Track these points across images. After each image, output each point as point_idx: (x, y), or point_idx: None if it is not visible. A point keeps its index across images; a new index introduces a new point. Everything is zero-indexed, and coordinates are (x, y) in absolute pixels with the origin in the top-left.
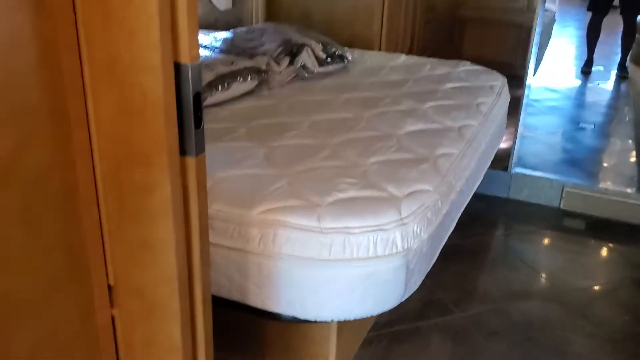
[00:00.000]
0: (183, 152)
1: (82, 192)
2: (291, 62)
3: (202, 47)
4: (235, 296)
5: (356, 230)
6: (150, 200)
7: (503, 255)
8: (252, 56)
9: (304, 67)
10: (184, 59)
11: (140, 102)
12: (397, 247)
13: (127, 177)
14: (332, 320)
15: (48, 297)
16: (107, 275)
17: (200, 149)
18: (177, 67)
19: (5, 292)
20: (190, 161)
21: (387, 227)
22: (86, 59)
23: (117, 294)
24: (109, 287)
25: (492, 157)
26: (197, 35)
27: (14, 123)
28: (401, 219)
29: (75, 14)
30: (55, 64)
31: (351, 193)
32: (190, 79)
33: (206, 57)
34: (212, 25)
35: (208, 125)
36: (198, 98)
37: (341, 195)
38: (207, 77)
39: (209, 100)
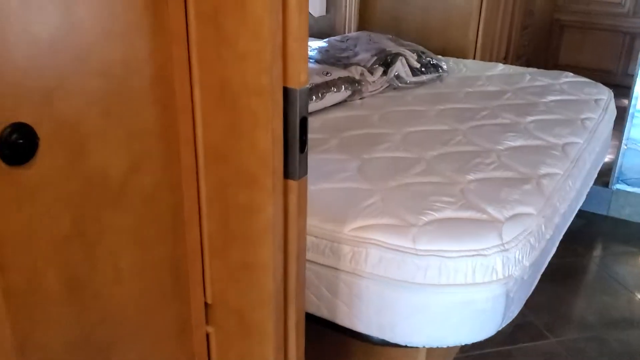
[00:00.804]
0: (286, 175)
1: (187, 212)
2: (384, 72)
3: None
4: (324, 314)
5: (454, 254)
6: (253, 222)
7: (600, 277)
8: (346, 66)
9: (397, 77)
10: (293, 83)
11: (249, 124)
12: (497, 274)
13: (232, 197)
14: (423, 347)
15: (153, 313)
16: (204, 293)
17: (303, 173)
18: (286, 92)
19: (116, 307)
20: (293, 184)
21: (488, 252)
22: (197, 81)
23: (214, 312)
24: (206, 305)
25: (595, 176)
26: (306, 60)
27: (129, 144)
28: (502, 244)
29: (188, 36)
30: (168, 86)
31: (448, 213)
32: (298, 103)
33: None
34: None
35: None
36: (304, 122)
37: (438, 215)
38: None
39: None
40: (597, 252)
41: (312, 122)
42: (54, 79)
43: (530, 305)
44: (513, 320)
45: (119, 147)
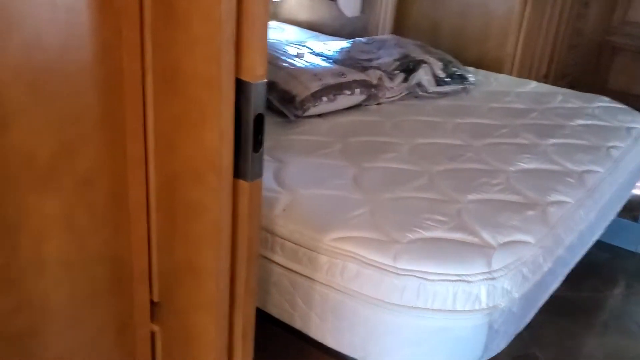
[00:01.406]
0: (237, 174)
1: (132, 204)
2: (406, 79)
3: (316, 55)
4: (297, 324)
5: (434, 277)
6: (198, 221)
7: (618, 317)
8: (365, 69)
9: (419, 84)
10: (247, 76)
11: (197, 117)
12: (480, 304)
13: (180, 193)
14: None
15: (85, 306)
16: (150, 290)
17: (256, 174)
18: (239, 85)
19: (41, 296)
20: (244, 185)
21: (472, 279)
22: (149, 65)
23: (160, 311)
24: (152, 302)
25: (618, 209)
26: (265, 52)
27: (61, 124)
28: (490, 272)
29: (142, 16)
30: (116, 68)
31: (437, 233)
32: (252, 98)
33: (318, 65)
34: (337, 32)
35: (304, 136)
36: (260, 120)
37: (425, 234)
38: (313, 86)
39: (312, 110)
40: (619, 289)
41: (321, 124)
42: None
43: (535, 336)
44: (513, 351)
45: (48, 127)
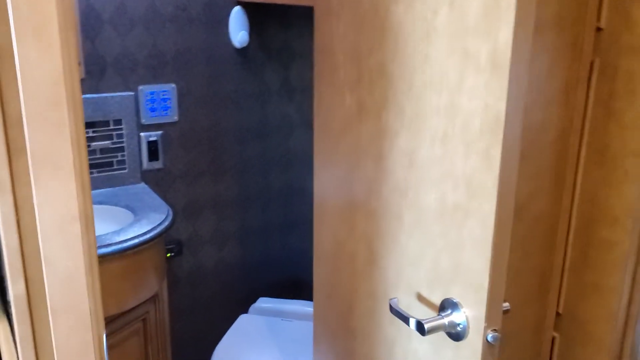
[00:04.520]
0: None
1: (558, 238)
2: None
3: None
4: None
5: None
6: (609, 253)
7: None
8: None
9: None
10: None
11: (620, 178)
12: None
13: (595, 233)
14: None
15: (518, 305)
16: (558, 303)
17: None
18: None
19: None
20: None
21: None
22: (585, 142)
23: (562, 321)
24: (557, 314)
25: None
26: None
27: (530, 179)
28: None
29: (585, 110)
30: (564, 144)
31: None
32: None
33: None
34: None
35: None
36: None
37: None
38: None
39: None
40: None
41: None
42: None
43: None
44: None
45: (525, 179)
